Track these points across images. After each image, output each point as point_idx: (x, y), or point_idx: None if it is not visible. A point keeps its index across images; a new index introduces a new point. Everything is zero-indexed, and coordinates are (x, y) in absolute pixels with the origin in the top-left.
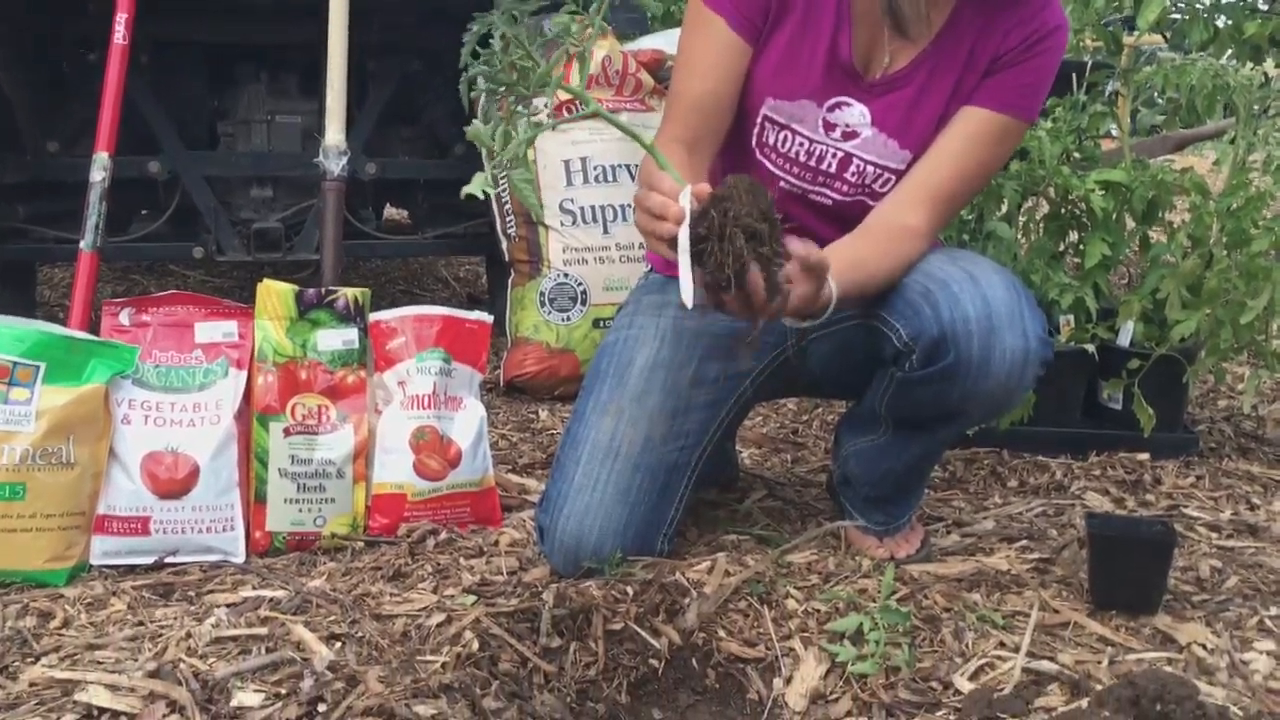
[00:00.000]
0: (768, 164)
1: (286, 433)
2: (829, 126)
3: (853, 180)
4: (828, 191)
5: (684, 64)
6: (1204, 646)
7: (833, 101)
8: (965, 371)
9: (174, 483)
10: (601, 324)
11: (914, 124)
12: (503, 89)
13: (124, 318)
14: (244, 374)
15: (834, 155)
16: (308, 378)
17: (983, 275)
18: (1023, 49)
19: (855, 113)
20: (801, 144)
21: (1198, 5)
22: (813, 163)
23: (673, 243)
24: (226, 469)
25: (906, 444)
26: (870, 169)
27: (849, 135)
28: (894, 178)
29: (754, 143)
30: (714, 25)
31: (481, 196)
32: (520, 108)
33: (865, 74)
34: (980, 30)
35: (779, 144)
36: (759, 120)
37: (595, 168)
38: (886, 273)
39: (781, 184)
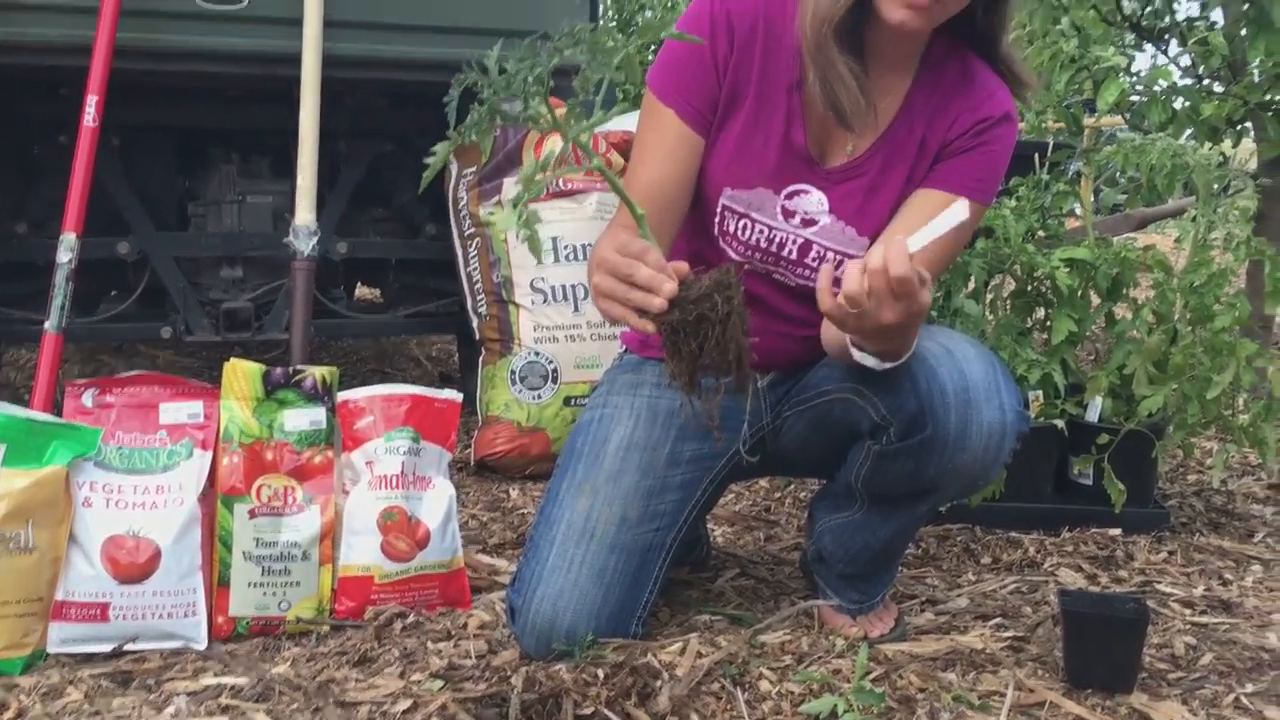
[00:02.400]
0: (730, 250)
1: (251, 514)
2: (788, 214)
3: (814, 265)
4: (790, 275)
5: (638, 153)
6: None
7: (790, 189)
8: (943, 444)
9: (135, 567)
10: (573, 402)
11: (871, 211)
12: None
13: (87, 399)
14: (209, 455)
15: (794, 241)
16: (274, 458)
17: (959, 349)
18: (972, 135)
19: (813, 200)
20: (761, 231)
21: (1156, 87)
22: (774, 249)
23: (656, 318)
24: (189, 552)
25: (882, 520)
26: (830, 255)
27: (808, 222)
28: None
29: (716, 230)
30: (664, 116)
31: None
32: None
33: (821, 162)
34: (930, 118)
35: (739, 231)
36: (719, 209)
37: (566, 247)
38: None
39: (745, 267)
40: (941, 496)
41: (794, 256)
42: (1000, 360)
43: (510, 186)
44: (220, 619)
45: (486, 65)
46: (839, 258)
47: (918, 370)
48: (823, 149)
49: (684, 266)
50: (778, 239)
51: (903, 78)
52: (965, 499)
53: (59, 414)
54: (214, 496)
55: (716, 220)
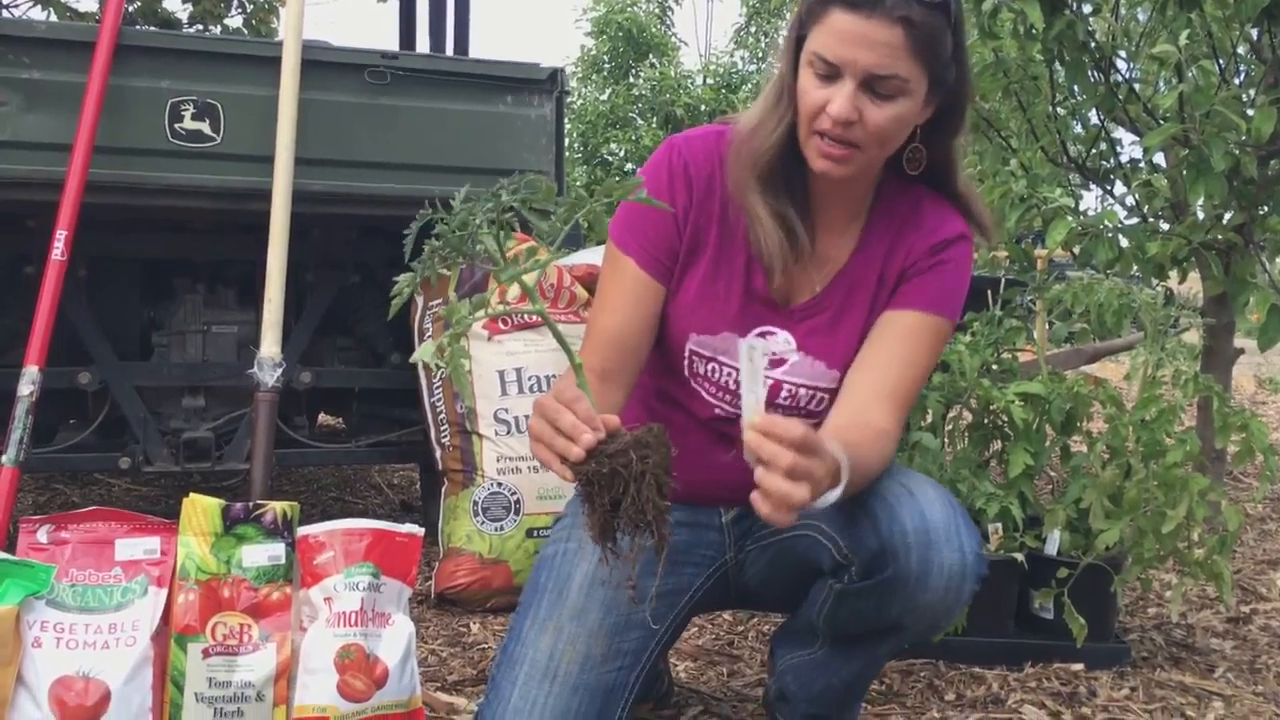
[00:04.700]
0: (702, 392)
1: (205, 654)
2: None
3: (786, 404)
4: None
5: (599, 298)
6: None
7: (756, 332)
8: (904, 584)
9: (83, 710)
10: (536, 533)
11: (838, 344)
12: (458, 259)
13: (42, 535)
14: (164, 592)
15: (764, 383)
16: (230, 595)
17: (919, 490)
18: (929, 255)
19: (780, 340)
20: (730, 374)
21: (1102, 226)
22: None
23: (572, 467)
24: (139, 693)
25: (844, 659)
26: (802, 391)
27: (777, 363)
28: (827, 397)
29: (686, 373)
30: (625, 265)
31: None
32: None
33: (784, 304)
34: (887, 253)
35: (709, 374)
36: (687, 354)
37: (530, 378)
38: (878, 464)
39: (717, 411)
40: (904, 635)
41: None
42: (959, 503)
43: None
44: None
45: (450, 203)
46: (811, 394)
47: (879, 510)
48: (785, 291)
49: (614, 420)
50: None
51: (855, 215)
52: (928, 638)
53: (12, 550)
54: (167, 635)
55: (685, 364)
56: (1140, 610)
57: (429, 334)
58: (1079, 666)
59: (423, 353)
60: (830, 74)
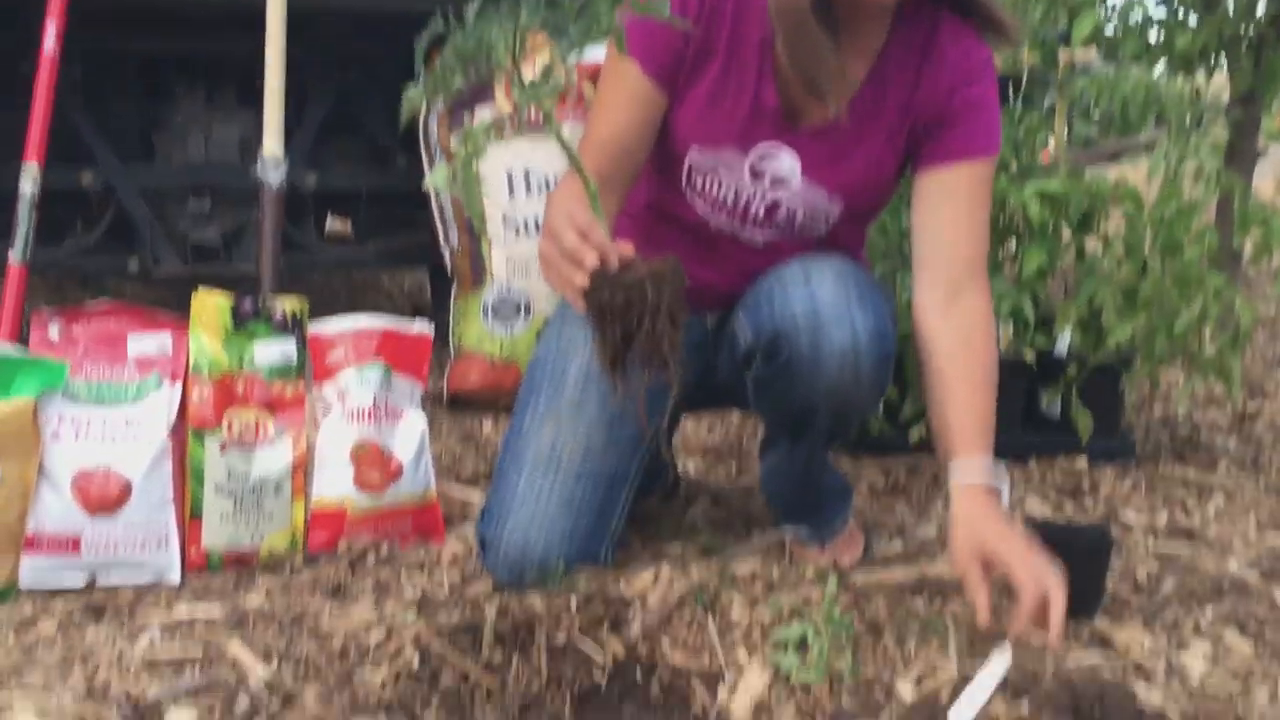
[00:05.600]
0: (696, 206)
1: (222, 448)
2: (756, 174)
3: (782, 224)
4: (756, 233)
5: (597, 104)
6: (1142, 649)
7: (760, 150)
8: (798, 368)
9: (106, 500)
10: None
11: (844, 172)
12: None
13: (53, 330)
14: (178, 388)
15: (761, 201)
16: (244, 391)
17: (816, 273)
18: (961, 92)
19: (784, 162)
20: (729, 188)
21: (1130, 19)
22: (740, 207)
23: (584, 295)
24: (160, 485)
25: (791, 451)
26: (799, 214)
27: (777, 183)
28: (822, 223)
29: (683, 185)
30: (626, 69)
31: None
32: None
33: (793, 122)
34: (910, 81)
35: (706, 188)
36: (685, 165)
37: (537, 178)
38: (991, 357)
39: (710, 224)
40: (821, 421)
41: (760, 216)
42: (871, 286)
43: (480, 115)
44: (193, 551)
45: (462, 17)
46: (807, 218)
47: (776, 295)
48: (795, 109)
49: (629, 248)
50: (744, 198)
51: (874, 38)
52: (852, 425)
53: (25, 345)
54: (184, 430)
55: (684, 175)
56: (1147, 409)
57: (434, 135)
58: (1083, 462)
59: (436, 179)
60: None
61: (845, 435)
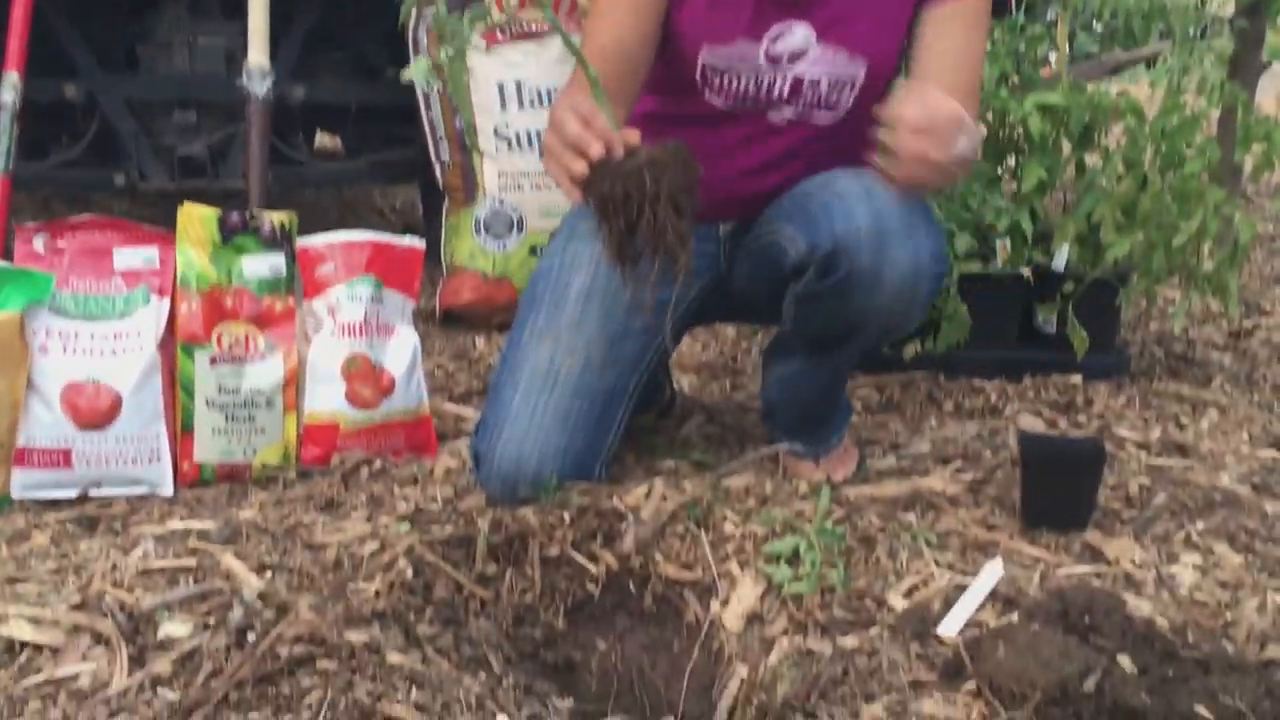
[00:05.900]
0: (716, 102)
1: (213, 362)
2: (773, 59)
3: (808, 98)
4: (783, 111)
5: (595, 12)
6: (1132, 561)
7: (773, 32)
8: (858, 284)
9: (96, 414)
10: (539, 251)
11: (860, 30)
12: None
13: (38, 243)
14: (166, 301)
15: (784, 81)
16: (233, 305)
17: (879, 190)
18: None
19: (799, 36)
20: (748, 80)
21: None
22: (763, 94)
23: (579, 182)
24: (151, 399)
25: (816, 366)
26: (824, 83)
27: (795, 57)
28: (850, 86)
29: (700, 87)
30: None
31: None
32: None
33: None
34: None
35: (724, 85)
36: (699, 67)
37: (530, 91)
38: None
39: (732, 114)
40: (865, 338)
41: (786, 96)
42: (926, 206)
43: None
44: (186, 465)
45: None
46: (834, 84)
47: (836, 209)
48: None
49: (634, 136)
50: (766, 83)
51: None
52: (889, 342)
53: (9, 259)
54: (173, 344)
55: (699, 77)
56: (1142, 326)
57: (424, 47)
58: (1077, 378)
59: (415, 70)
60: None
61: (875, 352)
